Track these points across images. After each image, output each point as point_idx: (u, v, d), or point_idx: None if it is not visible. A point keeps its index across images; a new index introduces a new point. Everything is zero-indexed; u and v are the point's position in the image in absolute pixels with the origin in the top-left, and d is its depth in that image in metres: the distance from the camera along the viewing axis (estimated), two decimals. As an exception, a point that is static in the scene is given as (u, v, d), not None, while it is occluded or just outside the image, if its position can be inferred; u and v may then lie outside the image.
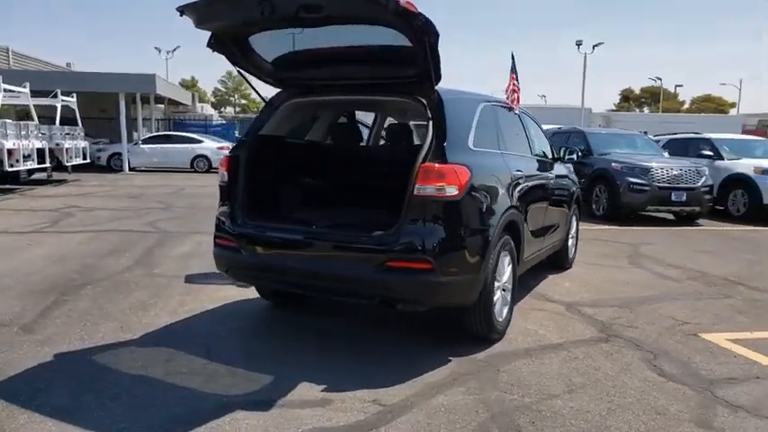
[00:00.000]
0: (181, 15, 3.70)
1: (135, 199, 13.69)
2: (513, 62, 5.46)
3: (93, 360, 3.92)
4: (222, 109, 75.67)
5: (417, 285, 3.75)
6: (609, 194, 11.74)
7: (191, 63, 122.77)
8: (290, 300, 5.18)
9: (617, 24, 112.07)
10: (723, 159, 13.17)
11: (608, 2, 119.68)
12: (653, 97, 75.71)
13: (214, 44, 4.16)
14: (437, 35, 3.57)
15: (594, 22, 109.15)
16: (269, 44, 4.27)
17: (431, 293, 3.78)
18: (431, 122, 3.95)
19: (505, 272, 4.48)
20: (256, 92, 4.66)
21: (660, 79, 66.44)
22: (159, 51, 48.03)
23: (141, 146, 23.77)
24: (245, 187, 4.39)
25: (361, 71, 4.27)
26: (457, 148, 3.93)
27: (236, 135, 31.15)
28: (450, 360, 4.04)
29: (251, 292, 5.52)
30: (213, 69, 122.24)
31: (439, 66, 3.81)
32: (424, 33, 3.56)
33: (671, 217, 12.24)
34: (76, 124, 18.93)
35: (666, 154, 13.40)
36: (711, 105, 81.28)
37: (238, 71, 4.46)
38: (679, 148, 14.23)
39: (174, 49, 47.97)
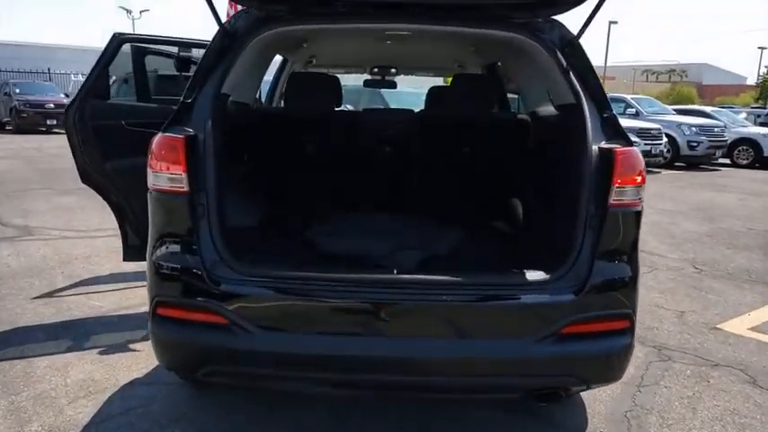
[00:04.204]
0: None
1: None
2: None
3: None
4: None
5: (608, 357, 2.24)
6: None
7: None
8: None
9: None
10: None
11: None
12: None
13: None
14: None
15: None
16: None
17: (621, 366, 2.30)
18: (571, 77, 2.38)
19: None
20: (213, 10, 2.37)
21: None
22: None
23: None
24: (221, 199, 2.23)
25: None
26: None
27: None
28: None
29: (118, 363, 3.29)
30: None
31: None
32: None
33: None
34: None
35: None
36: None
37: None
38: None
39: None
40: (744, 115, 21.72)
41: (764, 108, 30.57)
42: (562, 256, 2.18)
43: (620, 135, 2.30)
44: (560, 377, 2.24)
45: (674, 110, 19.10)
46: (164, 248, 2.24)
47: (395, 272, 2.24)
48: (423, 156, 3.54)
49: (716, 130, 16.40)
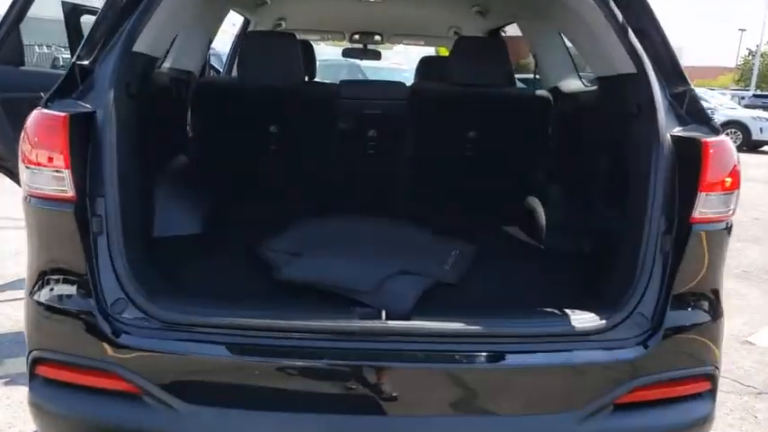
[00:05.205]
0: None
1: None
2: None
3: None
4: None
5: None
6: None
7: None
8: None
9: None
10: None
11: None
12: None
13: None
14: None
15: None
16: None
17: None
18: (631, 37, 1.73)
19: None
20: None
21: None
22: None
23: None
24: (131, 209, 1.56)
25: None
26: None
27: None
28: None
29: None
30: None
31: None
32: None
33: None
34: None
35: None
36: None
37: None
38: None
39: None
40: (728, 97, 21.47)
41: (746, 90, 30.56)
42: (620, 290, 1.55)
43: (702, 119, 1.66)
44: None
45: (664, 91, 18.71)
46: (45, 282, 1.56)
47: (383, 315, 1.58)
48: (418, 142, 2.81)
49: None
